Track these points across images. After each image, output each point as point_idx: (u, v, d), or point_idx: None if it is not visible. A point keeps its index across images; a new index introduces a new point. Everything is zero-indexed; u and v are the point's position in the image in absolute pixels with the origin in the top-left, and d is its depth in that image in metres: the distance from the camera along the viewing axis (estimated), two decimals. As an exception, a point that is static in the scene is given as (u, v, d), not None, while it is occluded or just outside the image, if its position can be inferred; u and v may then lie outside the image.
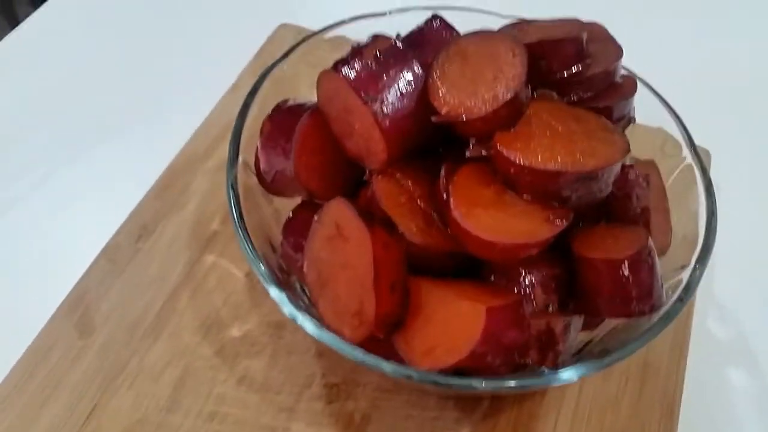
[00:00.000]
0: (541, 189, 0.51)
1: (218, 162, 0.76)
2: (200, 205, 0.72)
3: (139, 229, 0.71)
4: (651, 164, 0.62)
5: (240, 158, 0.59)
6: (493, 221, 0.50)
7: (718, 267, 0.77)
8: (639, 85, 0.66)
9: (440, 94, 0.53)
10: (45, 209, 0.76)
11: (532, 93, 0.57)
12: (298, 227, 0.59)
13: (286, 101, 0.61)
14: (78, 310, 0.66)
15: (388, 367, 0.50)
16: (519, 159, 0.50)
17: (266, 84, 0.63)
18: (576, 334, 0.56)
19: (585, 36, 0.60)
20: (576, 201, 0.51)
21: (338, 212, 0.53)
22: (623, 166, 0.59)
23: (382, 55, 0.54)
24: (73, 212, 0.76)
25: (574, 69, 0.58)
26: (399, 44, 0.55)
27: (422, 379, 0.50)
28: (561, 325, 0.53)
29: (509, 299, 0.51)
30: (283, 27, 0.91)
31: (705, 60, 1.00)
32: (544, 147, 0.51)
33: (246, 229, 0.55)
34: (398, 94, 0.53)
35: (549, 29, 0.61)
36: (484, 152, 0.53)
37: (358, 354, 0.50)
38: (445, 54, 0.55)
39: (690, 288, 0.56)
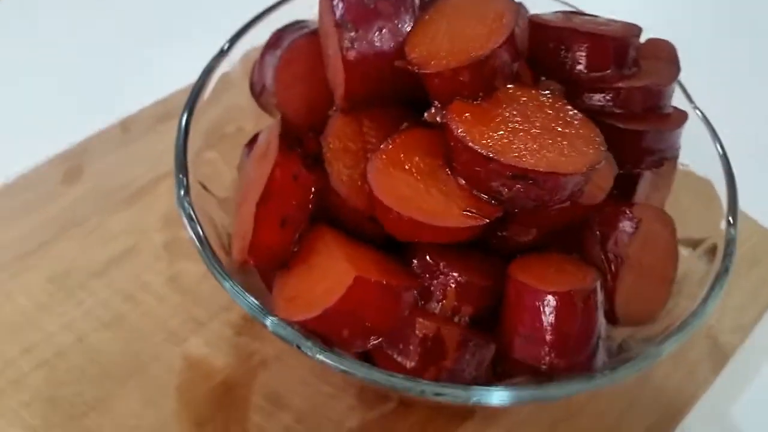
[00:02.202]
0: (473, 173, 0.44)
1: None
2: (229, 106, 0.71)
3: (165, 110, 0.72)
4: (662, 217, 0.51)
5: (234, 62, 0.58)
6: (404, 188, 0.44)
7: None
8: (704, 132, 0.55)
9: (413, 42, 0.47)
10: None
11: (537, 80, 0.49)
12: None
13: (305, 21, 0.58)
14: (74, 159, 0.68)
15: (241, 301, 0.46)
16: (460, 131, 0.43)
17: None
18: (480, 362, 0.47)
19: (635, 42, 0.51)
20: (508, 200, 0.43)
21: (271, 131, 0.49)
22: (616, 205, 0.49)
23: (383, -13, 0.49)
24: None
25: (602, 72, 0.49)
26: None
27: (273, 327, 0.45)
28: (456, 339, 0.45)
29: (396, 280, 0.45)
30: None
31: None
32: (496, 130, 0.44)
33: (187, 130, 0.53)
34: (379, 32, 0.48)
35: (600, 25, 0.52)
36: (439, 119, 0.46)
37: (217, 274, 0.46)
38: (442, 4, 0.48)
39: (629, 365, 0.45)
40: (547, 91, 0.47)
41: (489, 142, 0.43)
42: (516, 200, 0.43)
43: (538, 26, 0.51)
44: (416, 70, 0.45)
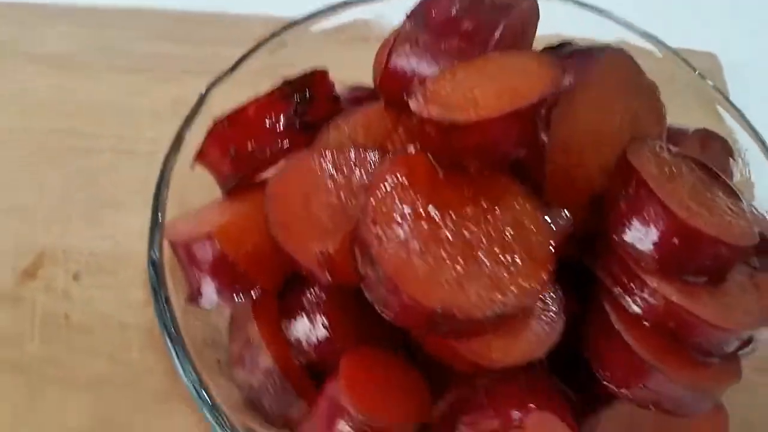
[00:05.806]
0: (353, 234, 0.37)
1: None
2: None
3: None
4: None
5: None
6: (295, 205, 0.40)
7: None
8: None
9: (443, 73, 0.40)
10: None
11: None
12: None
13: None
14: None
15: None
16: (377, 176, 0.37)
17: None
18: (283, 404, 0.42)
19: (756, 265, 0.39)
20: (362, 279, 0.36)
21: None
22: (507, 394, 0.38)
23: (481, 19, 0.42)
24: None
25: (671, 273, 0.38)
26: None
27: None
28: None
29: (260, 278, 0.41)
30: None
31: None
32: (408, 202, 0.36)
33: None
34: (444, 43, 0.42)
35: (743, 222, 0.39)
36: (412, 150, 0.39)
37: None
38: (499, 56, 0.40)
39: None
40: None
41: (376, 205, 0.35)
42: (368, 288, 0.36)
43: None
44: (405, 97, 0.39)
